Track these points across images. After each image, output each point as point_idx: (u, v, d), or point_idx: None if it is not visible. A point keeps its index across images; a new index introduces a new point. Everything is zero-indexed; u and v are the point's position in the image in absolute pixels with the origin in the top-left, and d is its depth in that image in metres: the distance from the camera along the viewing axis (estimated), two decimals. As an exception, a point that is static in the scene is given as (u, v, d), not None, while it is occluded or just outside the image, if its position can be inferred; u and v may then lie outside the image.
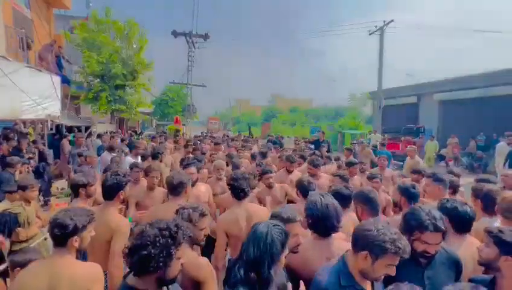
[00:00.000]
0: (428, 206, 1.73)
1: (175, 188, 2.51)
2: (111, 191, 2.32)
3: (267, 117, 50.90)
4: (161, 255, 1.18)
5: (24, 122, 8.83)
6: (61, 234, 1.57)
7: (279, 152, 6.83)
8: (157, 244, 1.18)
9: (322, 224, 1.76)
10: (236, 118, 58.89)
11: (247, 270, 1.37)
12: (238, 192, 2.43)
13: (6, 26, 8.63)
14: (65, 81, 10.80)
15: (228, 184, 2.55)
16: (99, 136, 8.74)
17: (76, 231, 1.60)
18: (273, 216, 1.73)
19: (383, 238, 1.29)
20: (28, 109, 5.23)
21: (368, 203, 2.09)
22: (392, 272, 1.32)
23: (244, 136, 12.66)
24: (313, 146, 8.96)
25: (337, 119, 35.07)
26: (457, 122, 16.24)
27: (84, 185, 2.71)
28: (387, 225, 1.39)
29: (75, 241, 1.62)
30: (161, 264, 1.18)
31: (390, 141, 15.32)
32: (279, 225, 1.46)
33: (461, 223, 1.87)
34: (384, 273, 1.33)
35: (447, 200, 1.98)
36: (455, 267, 1.68)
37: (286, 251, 1.46)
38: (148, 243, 1.18)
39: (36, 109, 5.41)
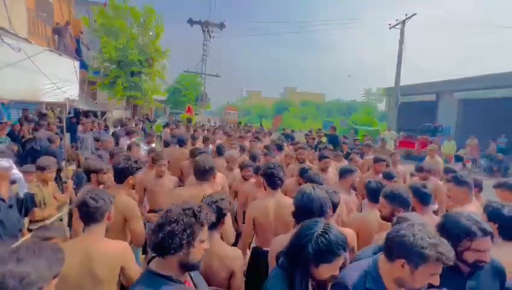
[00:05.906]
0: (463, 211, 1.59)
1: (205, 173, 2.47)
2: (120, 175, 2.35)
3: (278, 110, 50.45)
4: (184, 233, 1.19)
5: (44, 104, 9.01)
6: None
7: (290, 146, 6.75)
8: (181, 221, 1.20)
9: (303, 217, 1.58)
10: (247, 109, 58.60)
11: (285, 266, 1.32)
12: (276, 180, 2.38)
13: (28, 10, 8.77)
14: (83, 66, 10.95)
15: (263, 174, 2.48)
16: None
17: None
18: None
19: (422, 244, 1.13)
20: (49, 92, 5.29)
21: (420, 197, 2.21)
22: (436, 281, 1.16)
23: (256, 129, 12.59)
24: (325, 139, 8.90)
25: (350, 114, 34.39)
26: (478, 123, 15.65)
27: (96, 171, 2.68)
28: (423, 227, 1.20)
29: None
30: (184, 243, 1.18)
31: (405, 139, 14.78)
32: (328, 233, 1.26)
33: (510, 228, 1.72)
34: (426, 283, 1.18)
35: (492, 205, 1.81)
36: (499, 276, 1.52)
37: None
38: (172, 219, 1.21)
39: (56, 92, 5.47)
